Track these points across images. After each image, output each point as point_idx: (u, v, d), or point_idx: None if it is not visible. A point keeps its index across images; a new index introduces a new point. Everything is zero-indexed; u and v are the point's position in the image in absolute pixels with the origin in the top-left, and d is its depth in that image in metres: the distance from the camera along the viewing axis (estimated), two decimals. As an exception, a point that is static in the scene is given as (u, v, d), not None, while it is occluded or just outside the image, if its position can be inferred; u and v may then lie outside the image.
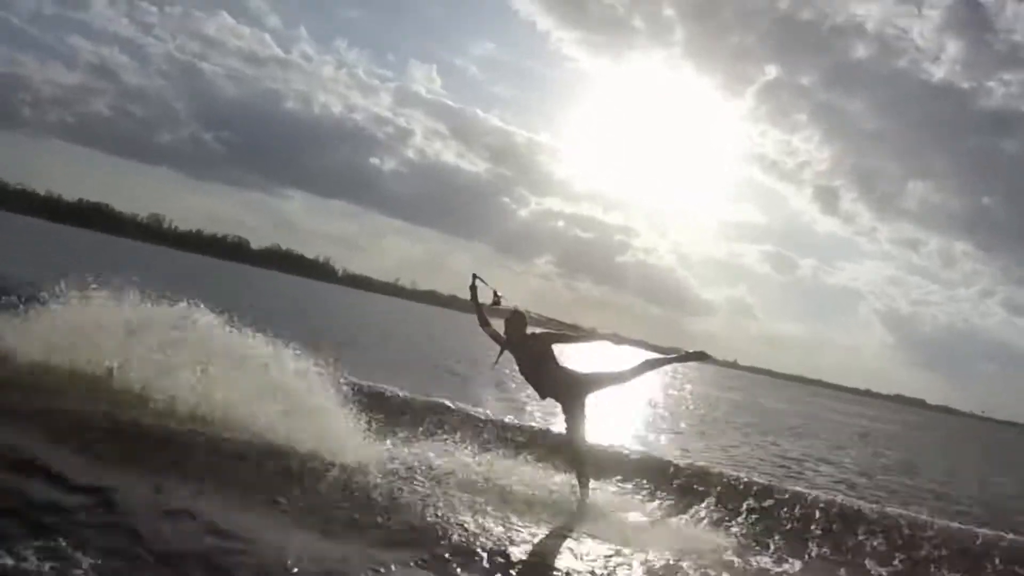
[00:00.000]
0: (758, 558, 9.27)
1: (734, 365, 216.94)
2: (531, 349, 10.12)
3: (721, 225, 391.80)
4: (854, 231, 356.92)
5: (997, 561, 9.68)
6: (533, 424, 14.24)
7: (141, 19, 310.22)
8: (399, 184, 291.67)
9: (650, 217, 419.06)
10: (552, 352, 10.14)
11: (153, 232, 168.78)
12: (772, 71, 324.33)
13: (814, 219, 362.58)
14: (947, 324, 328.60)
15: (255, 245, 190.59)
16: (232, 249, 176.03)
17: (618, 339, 10.42)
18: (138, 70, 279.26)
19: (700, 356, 10.27)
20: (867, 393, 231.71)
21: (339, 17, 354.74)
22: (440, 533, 7.73)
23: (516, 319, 10.24)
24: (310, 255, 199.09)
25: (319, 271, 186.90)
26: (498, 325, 10.35)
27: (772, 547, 9.72)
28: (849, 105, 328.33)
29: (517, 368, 10.36)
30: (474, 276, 10.63)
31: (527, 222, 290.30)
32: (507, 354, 10.34)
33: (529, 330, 10.23)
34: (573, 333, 10.24)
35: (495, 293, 10.50)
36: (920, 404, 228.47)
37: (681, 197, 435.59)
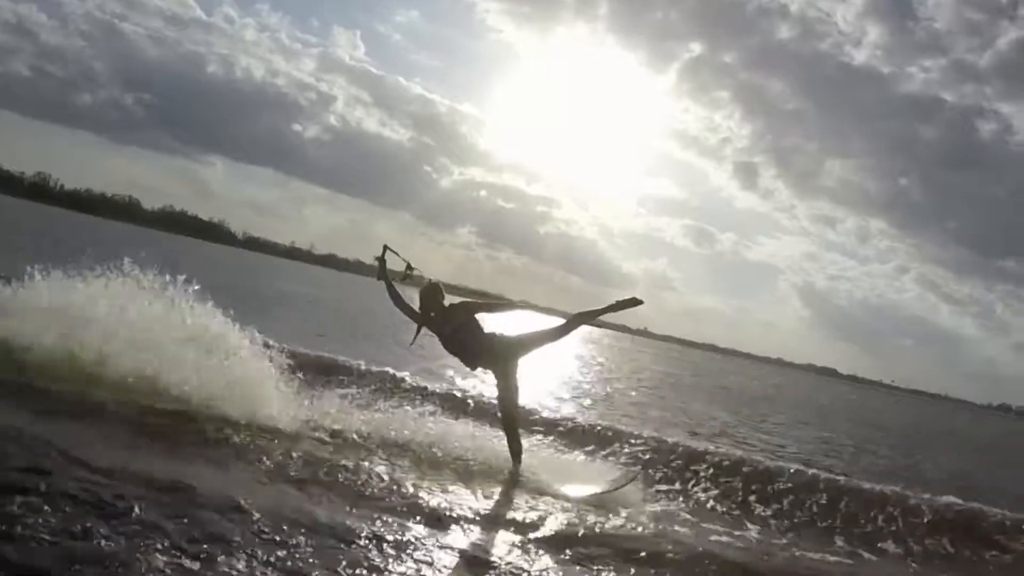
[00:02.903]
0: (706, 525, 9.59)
1: (645, 333, 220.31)
2: (453, 320, 9.84)
3: (642, 199, 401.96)
4: (773, 207, 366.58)
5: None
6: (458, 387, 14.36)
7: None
8: (321, 151, 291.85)
9: (572, 189, 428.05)
10: (476, 320, 9.92)
11: (39, 190, 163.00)
12: (696, 48, 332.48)
13: (733, 195, 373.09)
14: (862, 299, 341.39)
15: (148, 205, 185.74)
16: (122, 209, 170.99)
17: (540, 310, 10.11)
18: (57, 29, 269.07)
19: (633, 302, 9.90)
20: (779, 362, 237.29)
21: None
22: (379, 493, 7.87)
23: (431, 291, 9.92)
24: (234, 223, 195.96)
25: (216, 234, 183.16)
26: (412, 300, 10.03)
27: (721, 514, 10.30)
28: (771, 85, 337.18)
29: (440, 343, 10.07)
30: (384, 247, 10.23)
31: (449, 191, 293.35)
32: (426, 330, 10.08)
33: (447, 301, 9.94)
34: (495, 302, 9.97)
35: (408, 265, 10.13)
36: (832, 373, 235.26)
37: (603, 170, 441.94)
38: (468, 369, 10.25)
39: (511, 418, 10.00)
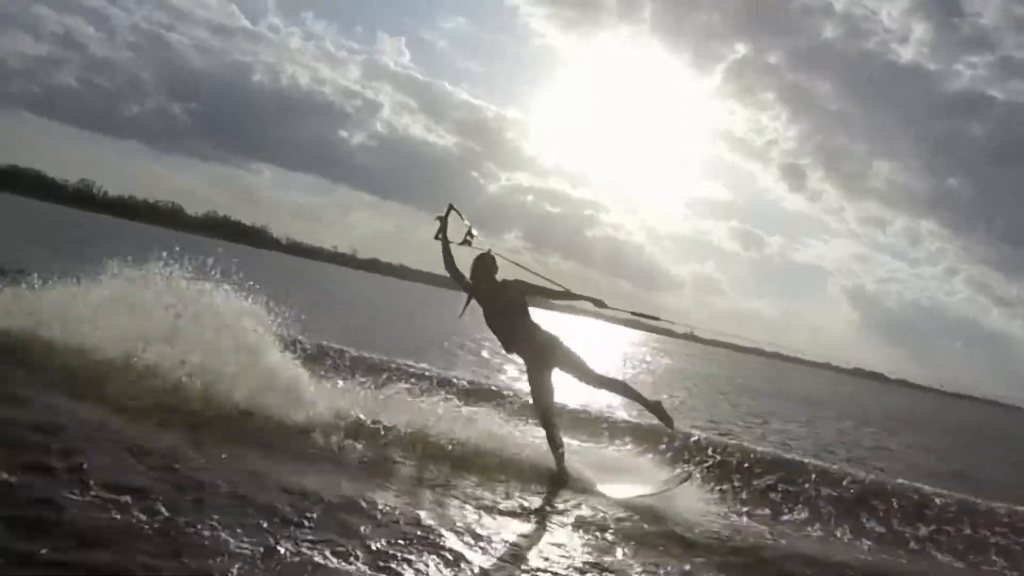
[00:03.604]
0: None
1: (691, 336, 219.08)
2: (502, 297, 9.56)
3: (689, 201, 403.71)
4: (821, 209, 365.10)
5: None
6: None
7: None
8: (367, 157, 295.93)
9: (619, 193, 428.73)
10: (525, 304, 9.63)
11: (83, 197, 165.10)
12: (740, 49, 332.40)
13: (781, 197, 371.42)
14: (912, 301, 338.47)
15: (191, 211, 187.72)
16: (166, 215, 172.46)
17: (600, 303, 9.79)
18: (105, 41, 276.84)
19: (667, 422, 9.70)
20: (827, 366, 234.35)
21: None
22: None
23: (484, 262, 9.66)
24: (280, 229, 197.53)
25: (258, 238, 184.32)
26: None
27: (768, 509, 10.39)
28: (817, 85, 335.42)
29: (484, 317, 9.78)
30: (449, 206, 9.85)
31: (496, 197, 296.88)
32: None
33: (500, 276, 9.66)
34: (552, 287, 9.59)
35: (469, 231, 9.77)
36: (880, 378, 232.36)
37: (649, 173, 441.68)
38: (505, 351, 9.97)
39: (547, 416, 9.69)
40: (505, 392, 13.95)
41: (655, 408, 9.62)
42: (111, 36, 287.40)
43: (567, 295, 9.65)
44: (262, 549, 5.53)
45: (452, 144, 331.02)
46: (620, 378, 9.82)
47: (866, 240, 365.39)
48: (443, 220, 9.81)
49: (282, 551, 5.60)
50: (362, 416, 10.01)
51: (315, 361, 11.28)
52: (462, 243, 9.81)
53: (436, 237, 9.83)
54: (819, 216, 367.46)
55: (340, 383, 11.23)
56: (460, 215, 9.87)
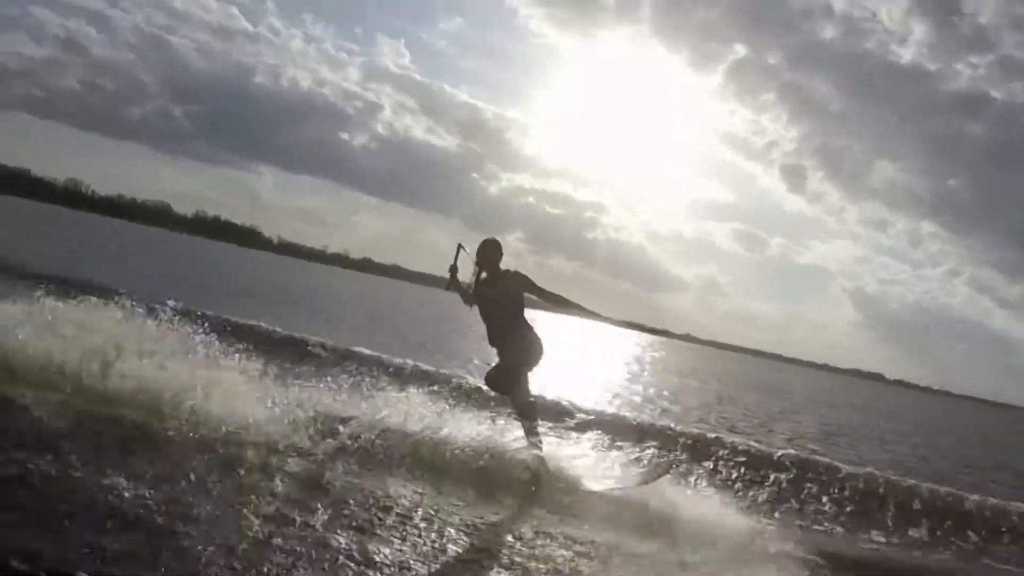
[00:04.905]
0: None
1: (687, 338, 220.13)
2: (501, 285, 9.30)
3: (691, 203, 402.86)
4: (823, 210, 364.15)
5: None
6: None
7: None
8: (369, 159, 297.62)
9: (620, 194, 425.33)
10: (521, 298, 9.38)
11: (72, 196, 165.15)
12: (740, 50, 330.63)
13: (783, 198, 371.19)
14: (914, 303, 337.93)
15: (181, 211, 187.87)
16: (154, 214, 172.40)
17: (593, 316, 9.66)
18: (106, 43, 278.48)
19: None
20: (824, 367, 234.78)
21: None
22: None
23: (491, 247, 9.34)
24: (280, 231, 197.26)
25: (249, 239, 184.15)
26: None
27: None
28: (817, 85, 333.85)
29: (479, 307, 9.40)
30: (459, 247, 9.43)
31: (497, 198, 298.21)
32: None
33: (504, 266, 9.35)
34: (554, 296, 9.38)
35: (478, 272, 9.33)
36: (878, 378, 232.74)
37: (651, 174, 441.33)
38: (488, 342, 9.61)
39: (520, 407, 9.48)
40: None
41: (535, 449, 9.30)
42: (112, 38, 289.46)
43: (560, 301, 9.48)
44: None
45: (453, 145, 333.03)
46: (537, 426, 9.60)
47: (867, 241, 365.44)
48: (453, 269, 9.39)
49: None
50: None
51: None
52: (474, 285, 9.37)
53: (446, 288, 9.49)
54: (820, 217, 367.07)
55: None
56: (468, 253, 9.40)
